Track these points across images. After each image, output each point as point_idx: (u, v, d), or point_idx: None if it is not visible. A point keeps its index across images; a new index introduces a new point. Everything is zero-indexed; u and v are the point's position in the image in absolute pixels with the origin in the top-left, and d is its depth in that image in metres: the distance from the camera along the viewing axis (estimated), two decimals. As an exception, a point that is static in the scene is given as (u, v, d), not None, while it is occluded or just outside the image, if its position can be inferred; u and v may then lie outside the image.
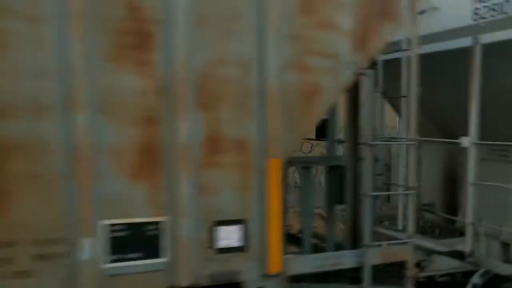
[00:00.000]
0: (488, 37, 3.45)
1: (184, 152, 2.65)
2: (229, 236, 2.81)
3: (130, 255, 2.58)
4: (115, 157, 2.52)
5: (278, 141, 2.86)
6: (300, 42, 2.91)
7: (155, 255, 2.64)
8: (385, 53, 3.64)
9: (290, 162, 3.28)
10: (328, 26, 2.99)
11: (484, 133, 3.54)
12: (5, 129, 2.29)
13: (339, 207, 4.48)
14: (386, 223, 4.60)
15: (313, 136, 4.39)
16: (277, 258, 2.92)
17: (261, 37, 2.79)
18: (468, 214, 3.63)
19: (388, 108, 4.66)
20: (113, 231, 2.54)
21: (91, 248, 2.47)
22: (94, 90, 2.43)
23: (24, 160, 2.34)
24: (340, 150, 4.55)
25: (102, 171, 2.48)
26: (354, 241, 4.06)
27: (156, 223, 2.63)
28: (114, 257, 2.55)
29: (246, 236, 2.85)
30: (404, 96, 3.52)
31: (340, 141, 4.36)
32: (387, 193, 4.82)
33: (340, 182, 4.07)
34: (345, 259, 3.24)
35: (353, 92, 3.67)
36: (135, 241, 2.59)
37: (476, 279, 3.65)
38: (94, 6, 2.41)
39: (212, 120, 2.72)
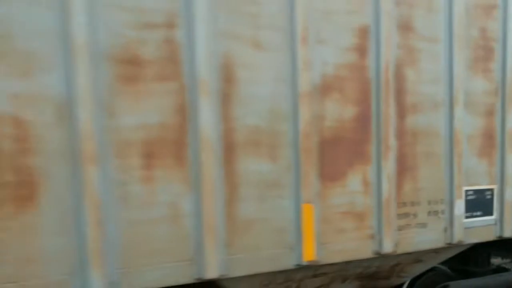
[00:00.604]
0: None
1: (509, 136, 3.55)
2: (529, 200, 3.72)
3: (475, 213, 3.50)
4: (470, 140, 3.43)
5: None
6: None
7: (490, 213, 3.55)
8: None
9: None
10: None
11: None
12: (416, 120, 3.20)
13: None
14: None
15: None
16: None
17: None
18: None
19: None
20: (467, 195, 3.45)
21: (459, 207, 3.39)
22: (464, 91, 3.34)
23: (424, 143, 3.25)
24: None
25: (464, 152, 3.39)
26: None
27: (491, 190, 3.54)
28: (468, 214, 3.46)
29: (539, 200, 3.76)
30: None
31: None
32: None
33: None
34: None
35: None
36: (478, 202, 3.51)
37: None
38: (461, 30, 3.31)
39: (522, 112, 3.63)
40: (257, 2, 2.62)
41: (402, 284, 3.79)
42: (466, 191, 3.44)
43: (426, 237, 3.30)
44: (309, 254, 2.86)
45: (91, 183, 2.27)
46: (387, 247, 3.12)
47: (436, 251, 3.49)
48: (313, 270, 3.08)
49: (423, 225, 3.29)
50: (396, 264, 3.46)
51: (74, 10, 2.20)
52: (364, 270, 3.35)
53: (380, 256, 3.13)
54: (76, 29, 2.20)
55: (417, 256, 3.48)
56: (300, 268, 2.92)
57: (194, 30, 2.46)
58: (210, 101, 2.52)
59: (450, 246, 3.40)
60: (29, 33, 2.15)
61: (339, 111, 2.92)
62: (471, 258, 4.20)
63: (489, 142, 3.51)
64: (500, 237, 3.59)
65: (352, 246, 3.03)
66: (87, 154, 2.26)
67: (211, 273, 2.57)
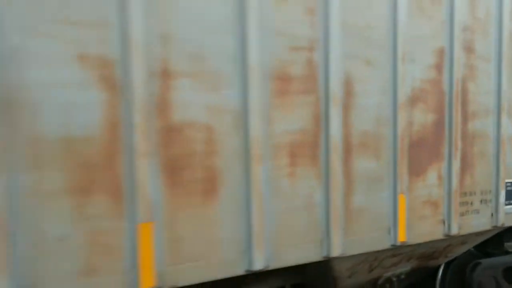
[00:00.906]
0: None
1: (537, 138, 4.31)
2: (550, 190, 4.49)
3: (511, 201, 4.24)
4: (510, 141, 4.14)
5: None
6: None
7: (522, 201, 4.30)
8: None
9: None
10: None
11: None
12: (474, 125, 3.86)
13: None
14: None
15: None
16: None
17: None
18: None
19: None
20: (507, 186, 4.17)
21: (502, 196, 4.10)
22: (506, 100, 4.04)
23: (480, 144, 3.92)
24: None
25: (507, 153, 4.10)
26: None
27: (523, 182, 4.29)
28: (507, 202, 4.18)
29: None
30: None
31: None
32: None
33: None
34: None
35: None
36: (515, 193, 4.24)
37: None
38: (508, 50, 4.01)
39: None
40: (371, 27, 3.18)
41: (439, 266, 4.47)
42: (506, 183, 4.16)
43: (479, 221, 3.99)
44: (402, 236, 3.46)
45: (257, 179, 2.76)
46: (454, 230, 3.78)
47: (477, 234, 4.19)
48: (393, 250, 3.69)
49: (477, 211, 3.97)
50: (448, 245, 4.13)
51: (250, 37, 2.67)
52: (426, 251, 3.99)
53: (448, 238, 3.78)
54: (251, 52, 2.68)
55: (464, 239, 4.16)
56: (388, 249, 3.52)
57: (328, 52, 2.99)
58: (337, 111, 3.06)
59: (494, 228, 4.11)
60: (216, 55, 2.61)
61: (423, 118, 3.53)
62: (489, 241, 4.96)
63: (522, 143, 4.24)
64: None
65: (429, 230, 3.66)
66: (255, 156, 2.74)
67: (335, 252, 3.12)
